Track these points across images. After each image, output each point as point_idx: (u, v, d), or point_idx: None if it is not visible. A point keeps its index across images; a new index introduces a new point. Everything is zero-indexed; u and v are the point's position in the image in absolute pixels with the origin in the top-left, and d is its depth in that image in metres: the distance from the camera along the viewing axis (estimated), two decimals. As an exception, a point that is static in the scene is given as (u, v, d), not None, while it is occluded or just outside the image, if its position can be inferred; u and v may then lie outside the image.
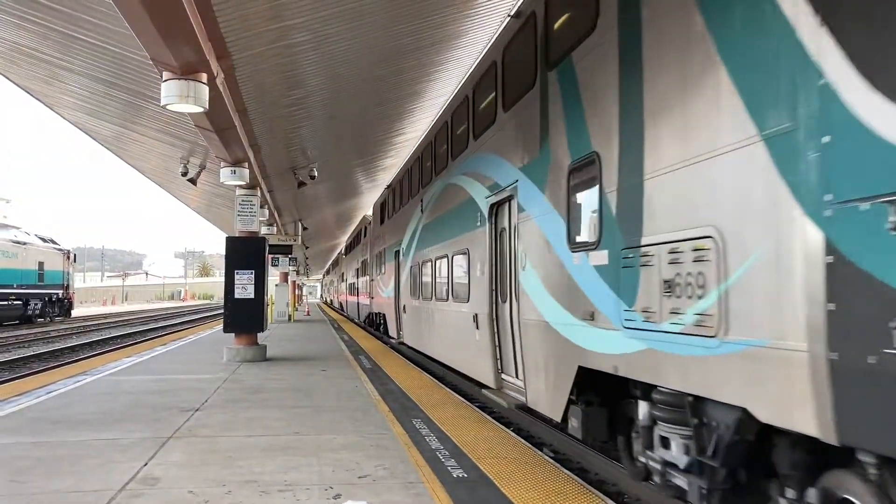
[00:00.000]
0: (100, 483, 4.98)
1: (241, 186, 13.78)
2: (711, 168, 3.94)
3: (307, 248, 36.47)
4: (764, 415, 3.53)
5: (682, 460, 4.48)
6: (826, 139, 3.10)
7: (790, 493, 3.71)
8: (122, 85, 10.25)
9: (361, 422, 7.33)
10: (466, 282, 9.67)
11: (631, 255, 4.80)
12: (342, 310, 45.49)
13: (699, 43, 4.08)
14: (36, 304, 35.11)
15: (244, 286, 13.38)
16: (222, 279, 13.94)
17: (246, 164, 12.81)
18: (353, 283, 32.95)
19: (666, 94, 4.45)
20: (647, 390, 4.85)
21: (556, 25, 6.61)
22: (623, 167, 4.98)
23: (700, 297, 3.98)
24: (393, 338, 18.59)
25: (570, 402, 5.95)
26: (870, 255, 2.86)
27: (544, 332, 6.51)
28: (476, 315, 9.08)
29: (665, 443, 4.71)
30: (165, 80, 7.68)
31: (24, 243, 34.68)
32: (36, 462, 5.55)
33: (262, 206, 15.66)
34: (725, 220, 3.80)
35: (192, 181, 14.87)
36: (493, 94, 8.61)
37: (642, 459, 5.11)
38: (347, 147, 17.56)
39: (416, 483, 5.03)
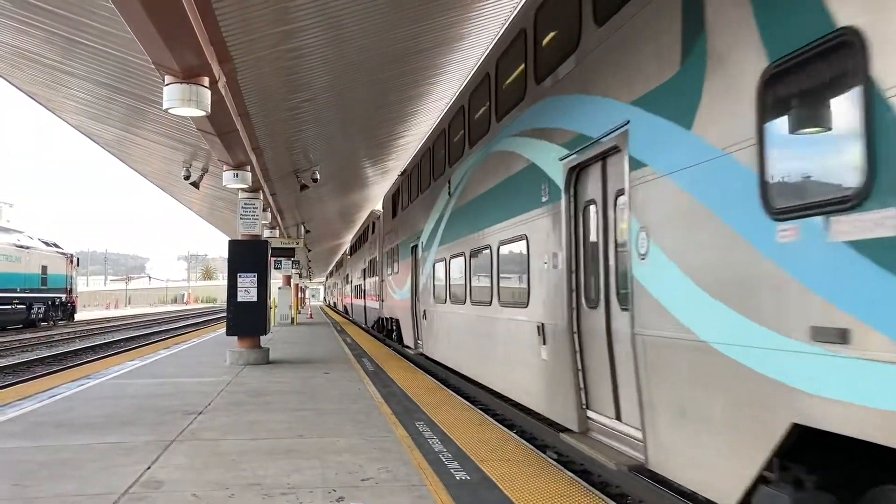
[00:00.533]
0: (103, 487, 4.98)
1: (243, 190, 13.82)
2: None
3: (310, 250, 36.47)
4: None
5: None
6: None
7: None
8: (125, 89, 10.29)
9: (364, 424, 7.33)
10: (524, 280, 7.67)
11: None
12: (346, 313, 44.70)
13: None
14: (39, 308, 35.22)
15: (247, 289, 13.40)
16: (225, 282, 14.00)
17: (248, 168, 12.85)
18: (360, 285, 31.47)
19: None
20: None
21: None
22: None
23: None
24: (410, 347, 16.47)
25: (759, 479, 3.76)
26: None
27: (701, 359, 4.28)
28: (542, 325, 7.07)
29: None
30: (167, 84, 7.72)
31: (28, 247, 34.86)
32: (39, 466, 5.55)
33: (264, 210, 15.69)
34: None
35: (195, 185, 14.93)
36: (577, 4, 6.31)
37: None
38: (350, 149, 17.60)
39: (419, 486, 5.03)
